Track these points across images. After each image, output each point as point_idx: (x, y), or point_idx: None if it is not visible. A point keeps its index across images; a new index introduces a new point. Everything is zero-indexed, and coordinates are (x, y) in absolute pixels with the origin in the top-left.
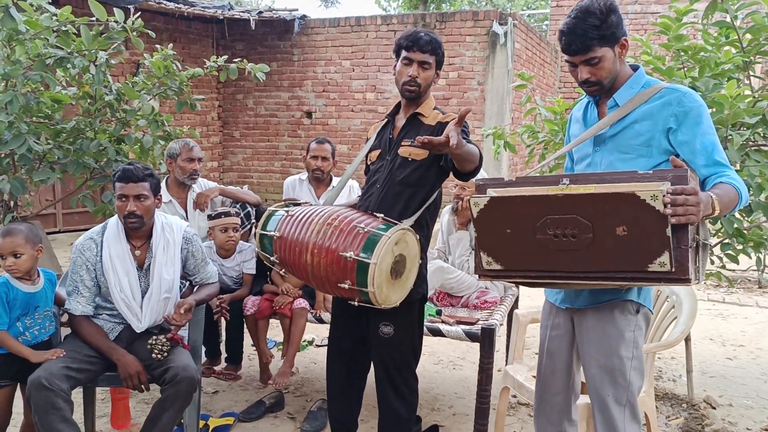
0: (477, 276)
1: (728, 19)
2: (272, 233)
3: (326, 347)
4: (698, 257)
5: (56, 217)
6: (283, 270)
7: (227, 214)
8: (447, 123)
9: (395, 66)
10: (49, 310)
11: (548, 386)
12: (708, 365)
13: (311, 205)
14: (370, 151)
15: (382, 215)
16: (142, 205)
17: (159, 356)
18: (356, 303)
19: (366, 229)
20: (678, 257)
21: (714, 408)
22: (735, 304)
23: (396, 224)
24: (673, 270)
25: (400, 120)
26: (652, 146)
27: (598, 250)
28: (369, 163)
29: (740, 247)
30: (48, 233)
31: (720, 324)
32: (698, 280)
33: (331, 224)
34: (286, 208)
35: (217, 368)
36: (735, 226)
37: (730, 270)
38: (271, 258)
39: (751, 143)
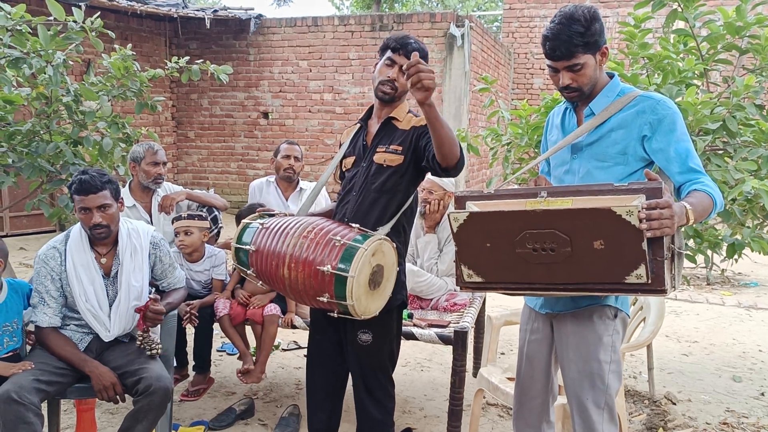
0: (458, 288)
1: (687, 28)
2: (247, 247)
3: (294, 351)
4: (674, 265)
5: (3, 220)
6: (261, 282)
7: (190, 217)
8: (421, 126)
9: (376, 64)
10: (8, 325)
11: (527, 390)
12: (665, 362)
13: (286, 216)
14: (344, 157)
15: (357, 225)
16: (107, 215)
17: (155, 351)
18: (335, 314)
19: (342, 242)
20: (654, 269)
21: (674, 404)
22: (687, 301)
23: (372, 234)
24: (650, 282)
25: (374, 125)
26: (627, 154)
27: (576, 263)
28: (344, 169)
29: (697, 247)
30: None
31: (674, 321)
32: (674, 288)
33: (307, 237)
34: (260, 220)
35: (184, 384)
36: (693, 227)
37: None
38: (248, 271)
39: (708, 148)
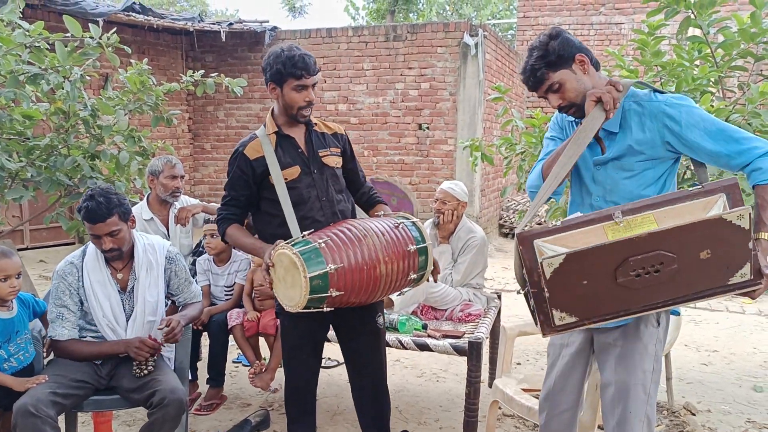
0: (543, 335)
1: (701, 35)
2: (326, 269)
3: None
4: None
5: (23, 233)
6: (325, 305)
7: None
8: (343, 134)
9: (275, 90)
10: (28, 334)
11: (557, 403)
12: (685, 371)
13: (320, 231)
14: (282, 169)
15: (382, 212)
16: (117, 239)
17: (145, 371)
18: (403, 293)
19: (399, 223)
20: (754, 265)
21: (694, 414)
22: (706, 309)
23: (398, 213)
24: (752, 277)
25: (296, 133)
26: (655, 159)
27: (682, 277)
28: (285, 180)
29: None
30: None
31: (693, 329)
32: None
33: (377, 234)
34: (306, 245)
35: (198, 400)
36: None
37: None
38: (331, 294)
39: None
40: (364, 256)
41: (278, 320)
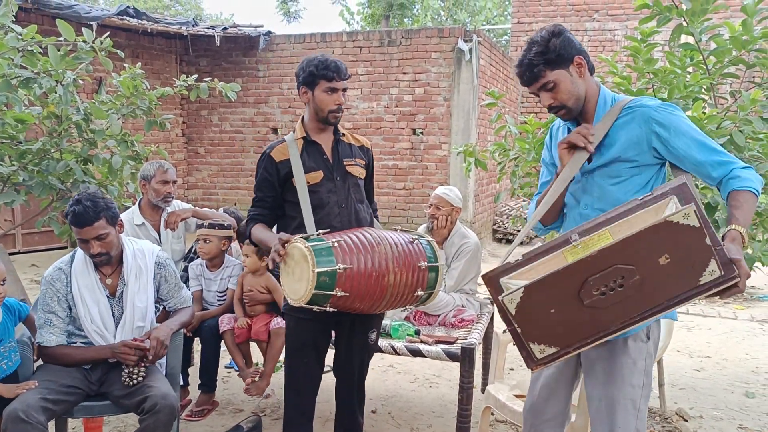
0: (531, 370)
1: (693, 42)
2: (335, 268)
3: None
4: None
5: (15, 237)
6: (329, 305)
7: (211, 226)
8: (369, 149)
9: (307, 93)
10: (13, 342)
11: (541, 414)
12: (677, 377)
13: (336, 232)
14: (306, 172)
15: (399, 227)
16: (105, 243)
17: (135, 380)
18: (408, 308)
19: (414, 239)
20: (721, 259)
21: (686, 420)
22: (699, 315)
23: (412, 231)
24: (723, 272)
25: (323, 141)
26: (642, 166)
27: (648, 287)
28: (307, 183)
29: None
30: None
31: (686, 335)
32: None
33: (391, 244)
34: (317, 242)
35: (189, 406)
36: None
37: None
38: (336, 294)
39: None
40: (374, 262)
41: (271, 325)
